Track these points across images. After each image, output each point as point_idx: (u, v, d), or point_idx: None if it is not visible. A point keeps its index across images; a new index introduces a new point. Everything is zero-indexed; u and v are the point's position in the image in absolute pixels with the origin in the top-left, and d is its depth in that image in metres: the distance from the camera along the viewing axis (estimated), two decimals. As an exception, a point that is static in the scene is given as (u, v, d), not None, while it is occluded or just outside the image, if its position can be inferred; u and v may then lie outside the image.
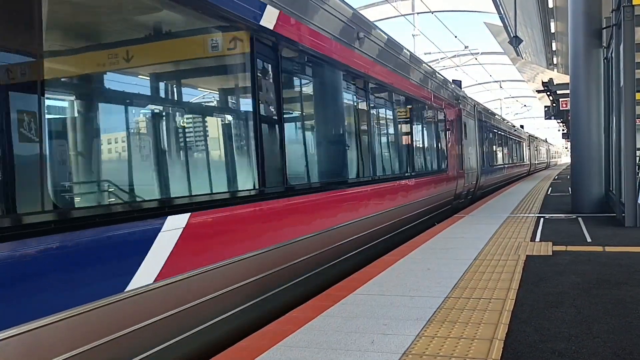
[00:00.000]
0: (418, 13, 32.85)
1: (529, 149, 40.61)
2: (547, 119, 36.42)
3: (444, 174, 13.37)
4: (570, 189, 12.95)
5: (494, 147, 23.29)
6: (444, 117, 13.94)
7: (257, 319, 4.89)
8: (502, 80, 53.81)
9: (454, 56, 35.99)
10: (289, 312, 4.74)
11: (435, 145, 13.18)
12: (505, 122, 29.68)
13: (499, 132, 25.03)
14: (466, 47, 32.49)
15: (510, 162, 28.85)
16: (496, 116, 25.99)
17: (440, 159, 13.38)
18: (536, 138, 51.89)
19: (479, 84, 54.68)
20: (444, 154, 13.65)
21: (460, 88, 17.47)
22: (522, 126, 42.62)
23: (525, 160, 37.08)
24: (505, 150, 27.20)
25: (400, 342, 3.83)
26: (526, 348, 3.66)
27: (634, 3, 9.10)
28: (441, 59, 36.35)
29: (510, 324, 4.16)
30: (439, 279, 5.70)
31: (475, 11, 35.91)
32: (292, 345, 3.83)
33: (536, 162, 47.40)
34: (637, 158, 9.82)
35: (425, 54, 33.83)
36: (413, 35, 32.56)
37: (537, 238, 8.38)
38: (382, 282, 5.65)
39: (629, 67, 9.20)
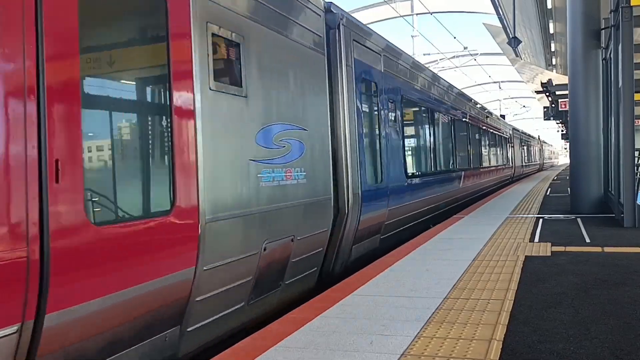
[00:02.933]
0: (417, 14, 32.90)
1: (513, 147, 30.65)
2: (546, 119, 36.38)
3: None
4: (569, 189, 12.97)
5: (430, 137, 12.51)
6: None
7: None
8: (501, 81, 53.95)
9: (453, 57, 36.03)
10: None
11: None
12: (460, 95, 17.19)
13: (447, 111, 14.23)
14: (465, 47, 32.56)
15: (474, 165, 17.89)
16: (440, 82, 14.11)
17: None
18: (525, 134, 40.41)
19: (478, 84, 54.83)
20: None
21: None
22: (503, 116, 33.53)
23: (507, 162, 27.62)
24: (465, 147, 16.82)
25: (399, 343, 3.83)
26: (524, 348, 3.67)
27: (632, 4, 9.12)
28: (440, 59, 36.39)
29: (509, 325, 4.17)
30: (438, 280, 5.71)
31: (474, 12, 35.97)
32: (291, 346, 3.84)
33: (523, 164, 36.59)
34: (636, 158, 9.84)
35: (424, 54, 33.85)
36: (412, 36, 32.62)
37: (536, 239, 8.39)
38: (380, 283, 5.65)
39: (627, 68, 9.21)
